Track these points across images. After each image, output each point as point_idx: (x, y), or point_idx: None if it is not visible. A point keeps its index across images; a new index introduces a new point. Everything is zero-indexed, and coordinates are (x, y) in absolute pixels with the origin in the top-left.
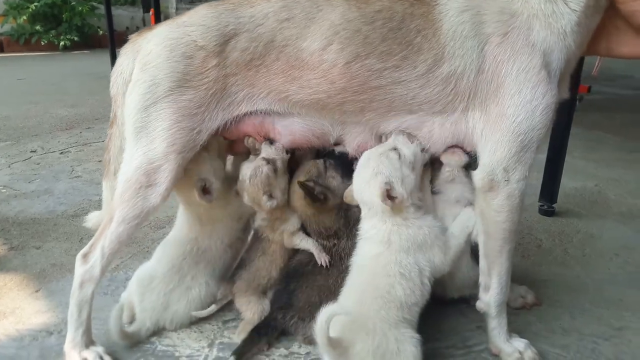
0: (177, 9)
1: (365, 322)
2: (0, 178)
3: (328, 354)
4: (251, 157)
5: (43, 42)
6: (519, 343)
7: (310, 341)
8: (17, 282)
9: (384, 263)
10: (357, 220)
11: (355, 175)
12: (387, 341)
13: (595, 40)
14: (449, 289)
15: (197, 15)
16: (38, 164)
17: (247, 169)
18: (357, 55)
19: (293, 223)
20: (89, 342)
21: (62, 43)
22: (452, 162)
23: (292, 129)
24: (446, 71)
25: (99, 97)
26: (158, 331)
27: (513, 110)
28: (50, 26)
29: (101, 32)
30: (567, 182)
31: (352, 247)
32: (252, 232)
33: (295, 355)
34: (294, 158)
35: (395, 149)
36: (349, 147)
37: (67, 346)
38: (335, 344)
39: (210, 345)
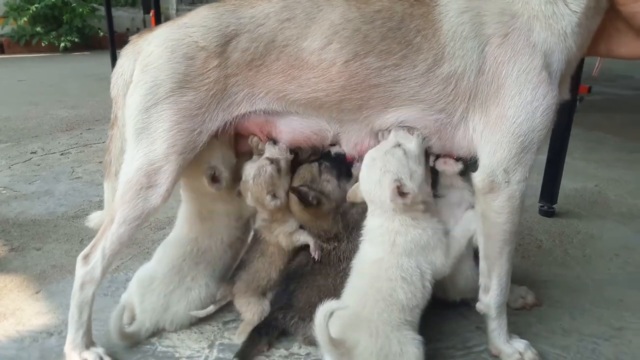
0: (177, 10)
1: (368, 324)
2: (0, 179)
3: (330, 354)
4: (254, 157)
5: (43, 43)
6: (519, 344)
7: (310, 341)
8: (17, 284)
9: (386, 267)
10: (357, 223)
11: (362, 176)
12: (389, 343)
13: (596, 41)
14: (450, 292)
15: (198, 17)
16: (38, 165)
17: (250, 169)
18: (356, 53)
19: (291, 225)
20: (89, 343)
21: (62, 44)
22: (446, 171)
23: (291, 128)
24: (446, 71)
25: (99, 98)
26: (158, 332)
27: (513, 112)
28: (50, 27)
29: (101, 33)
30: (568, 183)
31: (352, 249)
32: (251, 233)
33: (296, 356)
34: (297, 159)
35: (399, 145)
36: (347, 145)
37: (68, 347)
38: (337, 344)
39: (211, 346)
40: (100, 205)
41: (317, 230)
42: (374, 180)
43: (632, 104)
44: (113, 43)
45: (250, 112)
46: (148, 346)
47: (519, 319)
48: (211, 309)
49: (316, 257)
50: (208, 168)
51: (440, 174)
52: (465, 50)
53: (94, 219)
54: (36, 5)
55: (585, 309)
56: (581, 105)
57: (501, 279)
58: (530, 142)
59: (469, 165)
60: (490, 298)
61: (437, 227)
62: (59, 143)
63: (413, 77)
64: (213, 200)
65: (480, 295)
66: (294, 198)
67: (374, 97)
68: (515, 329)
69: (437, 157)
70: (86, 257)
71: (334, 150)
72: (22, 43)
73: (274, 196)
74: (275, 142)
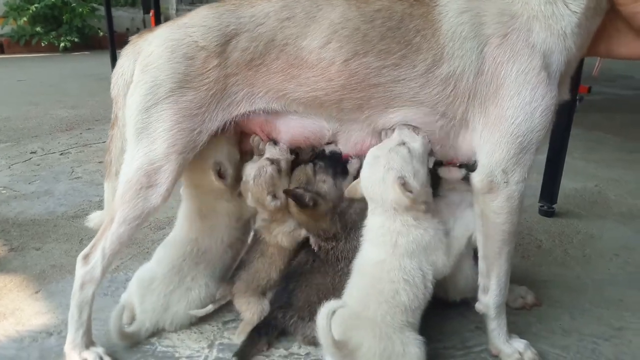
0: (177, 10)
1: (371, 326)
2: (0, 179)
3: (333, 356)
4: (255, 157)
5: (43, 43)
6: (519, 344)
7: (309, 341)
8: (17, 283)
9: (388, 269)
10: (355, 223)
11: (364, 173)
12: (392, 344)
13: (596, 41)
14: (451, 292)
15: (198, 16)
16: (38, 165)
17: (251, 169)
18: (355, 52)
19: (290, 225)
20: (89, 342)
21: (62, 44)
22: (450, 178)
23: (291, 127)
24: (445, 72)
25: (99, 98)
26: (158, 332)
27: (512, 112)
28: (50, 27)
29: (101, 33)
30: (567, 183)
31: (350, 249)
32: (251, 234)
33: (295, 356)
34: (298, 160)
35: (403, 143)
36: (346, 144)
37: (67, 347)
38: (340, 346)
39: (210, 346)
40: (99, 205)
41: (316, 230)
42: (377, 177)
43: (632, 104)
44: (113, 43)
45: (250, 112)
46: (148, 346)
47: (518, 318)
48: (210, 308)
49: (316, 249)
50: (214, 163)
51: (442, 179)
52: (465, 51)
53: (93, 219)
54: (36, 5)
55: (585, 308)
56: (581, 105)
57: (500, 279)
58: (529, 142)
59: (470, 167)
60: (489, 298)
61: (439, 228)
62: (58, 143)
63: (413, 77)
64: (215, 198)
65: (479, 295)
66: (291, 200)
67: (374, 97)
68: (515, 329)
69: (440, 164)
70: (86, 257)
71: (328, 149)
72: (22, 43)
73: (274, 197)
74: (275, 142)
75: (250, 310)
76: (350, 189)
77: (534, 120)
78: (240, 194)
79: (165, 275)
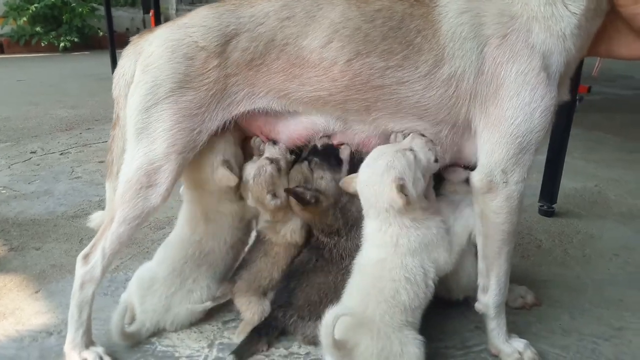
0: (177, 10)
1: (370, 325)
2: (0, 179)
3: (332, 356)
4: (254, 157)
5: (43, 43)
6: (519, 343)
7: (309, 340)
8: (17, 283)
9: (390, 267)
10: (356, 220)
11: (364, 166)
12: (391, 344)
13: (596, 41)
14: (454, 291)
15: (198, 17)
16: (38, 164)
17: (250, 169)
18: (357, 53)
19: (295, 222)
20: (89, 342)
21: (62, 44)
22: (454, 179)
23: (291, 128)
24: (447, 73)
25: (99, 98)
26: (158, 331)
27: (512, 112)
28: (50, 27)
29: (101, 33)
30: (567, 183)
31: (351, 247)
32: (252, 234)
33: (295, 356)
34: (297, 160)
35: (412, 150)
36: (350, 144)
37: (67, 347)
38: (339, 346)
39: (210, 346)
40: (99, 205)
41: (320, 225)
42: (376, 172)
43: (632, 103)
44: (113, 43)
45: (250, 112)
46: (148, 345)
47: (518, 318)
48: (208, 304)
49: (323, 239)
50: (223, 161)
51: (445, 181)
52: (465, 51)
53: (94, 219)
54: (36, 5)
55: (585, 308)
56: (581, 105)
57: (500, 278)
58: (529, 143)
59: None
60: (489, 298)
61: (440, 226)
62: (58, 143)
63: (416, 78)
64: (219, 199)
65: (479, 295)
66: (293, 199)
67: (380, 99)
68: (514, 329)
69: (446, 166)
70: (86, 257)
71: (320, 143)
72: (22, 43)
73: (274, 195)
74: (275, 142)
75: (251, 310)
76: (346, 180)
77: (533, 121)
78: (241, 197)
79: (167, 277)
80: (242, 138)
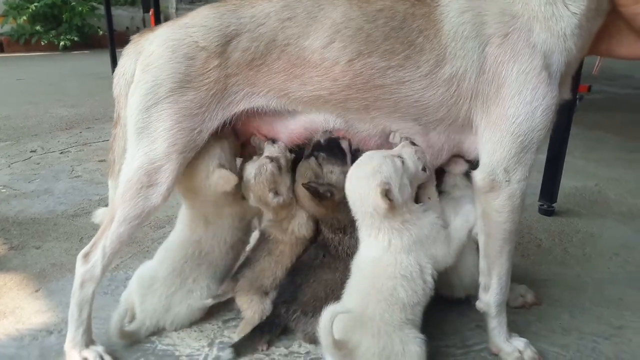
0: (177, 9)
1: (370, 324)
2: (0, 178)
3: (332, 356)
4: (254, 157)
5: (43, 42)
6: (519, 342)
7: (310, 338)
8: (17, 282)
9: (385, 265)
10: None
11: (351, 170)
12: (392, 343)
13: (597, 41)
14: (457, 289)
15: (199, 16)
16: (38, 163)
17: (251, 168)
18: (359, 52)
19: (302, 215)
20: (89, 341)
21: (62, 43)
22: (454, 170)
23: (290, 126)
24: (448, 72)
25: (99, 97)
26: (158, 330)
27: (513, 111)
28: (50, 26)
29: (101, 32)
30: (567, 182)
31: (355, 245)
32: (252, 234)
33: (295, 355)
34: (297, 158)
35: (400, 157)
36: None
37: (68, 345)
38: (340, 346)
39: (210, 345)
40: (99, 204)
41: (330, 221)
42: (362, 176)
43: (632, 103)
44: (113, 42)
45: (249, 110)
46: (148, 344)
47: (518, 317)
48: (209, 301)
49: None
50: (219, 164)
51: (446, 174)
52: (466, 50)
53: (99, 215)
54: (36, 4)
55: (585, 307)
56: (581, 104)
57: (501, 277)
58: (530, 141)
59: (473, 164)
60: (490, 297)
61: (435, 221)
62: (58, 142)
63: (417, 78)
64: (215, 205)
65: (480, 293)
66: (306, 195)
67: (380, 99)
68: (514, 328)
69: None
70: (86, 256)
71: (323, 137)
72: (22, 42)
73: (276, 193)
74: (274, 141)
75: (252, 308)
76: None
77: (534, 120)
78: (243, 197)
79: (167, 277)
80: (238, 149)
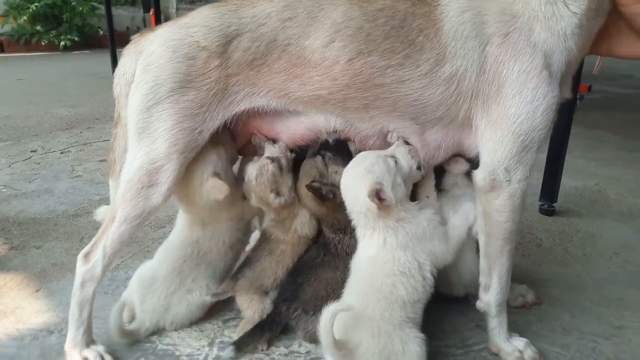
0: (177, 9)
1: (370, 324)
2: (0, 178)
3: (333, 356)
4: (255, 157)
5: (43, 42)
6: (519, 342)
7: (310, 337)
8: (17, 282)
9: (382, 263)
10: None
11: (346, 171)
12: (392, 342)
13: (597, 40)
14: (456, 287)
15: (199, 16)
16: (38, 163)
17: (252, 169)
18: (359, 52)
19: (304, 214)
20: (89, 341)
21: (62, 43)
22: (455, 170)
23: (289, 126)
24: (448, 71)
25: (99, 97)
26: (158, 330)
27: (514, 111)
28: (50, 26)
29: (101, 32)
30: (568, 182)
31: (354, 244)
32: (252, 233)
33: (296, 354)
34: (298, 158)
35: (394, 157)
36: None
37: (68, 345)
38: (340, 345)
39: (211, 344)
40: (100, 204)
41: (330, 220)
42: (355, 176)
43: (632, 102)
44: (113, 42)
45: (250, 111)
46: (148, 344)
47: (518, 317)
48: (208, 299)
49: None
50: (214, 172)
51: (446, 173)
52: (467, 50)
53: (100, 213)
54: (36, 4)
55: (585, 307)
56: (581, 103)
57: (501, 277)
58: (531, 141)
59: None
60: (490, 296)
61: (432, 218)
62: (59, 142)
63: (416, 77)
64: (214, 210)
65: (480, 293)
66: (309, 194)
67: (379, 98)
68: (515, 328)
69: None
70: (87, 256)
71: (331, 138)
72: (22, 42)
73: (278, 194)
74: (274, 141)
75: (252, 308)
76: None
77: (535, 119)
78: (244, 197)
79: (166, 277)
80: (235, 155)
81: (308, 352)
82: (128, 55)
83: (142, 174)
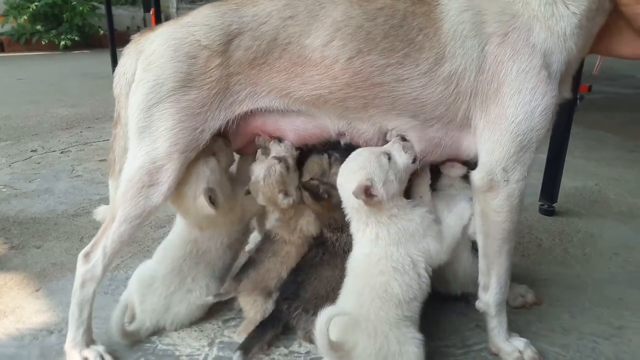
0: (177, 8)
1: (366, 324)
2: (0, 177)
3: (329, 357)
4: (260, 157)
5: (43, 42)
6: (519, 342)
7: (310, 337)
8: (17, 282)
9: (375, 260)
10: None
11: (342, 167)
12: (388, 343)
13: (597, 40)
14: (452, 286)
15: (200, 15)
16: (38, 163)
17: (259, 170)
18: (359, 50)
19: (309, 213)
20: (89, 341)
21: (62, 43)
22: (451, 174)
23: (294, 126)
24: (447, 70)
25: (99, 96)
26: (158, 330)
27: (512, 111)
28: (50, 26)
29: (102, 31)
30: (568, 182)
31: (351, 242)
32: (251, 234)
33: (296, 355)
34: (302, 155)
35: (387, 153)
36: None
37: (68, 345)
38: (336, 347)
39: (211, 344)
40: (100, 204)
41: (327, 219)
42: (348, 171)
43: (632, 102)
44: (113, 41)
45: (252, 110)
46: (148, 344)
47: (518, 317)
48: (210, 299)
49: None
50: (205, 189)
51: (442, 176)
52: (466, 49)
53: (100, 212)
54: (36, 3)
55: (585, 307)
56: (581, 103)
57: (500, 277)
58: (529, 141)
59: (471, 165)
60: (489, 296)
61: (425, 216)
62: (59, 141)
63: (416, 76)
64: (210, 217)
65: (479, 293)
66: (305, 192)
67: (378, 97)
68: (514, 328)
69: (444, 161)
70: (87, 255)
71: (343, 140)
72: (22, 41)
73: (286, 194)
74: (280, 140)
75: (255, 309)
76: None
77: (534, 119)
78: (248, 192)
79: (166, 277)
80: (232, 161)
81: (308, 352)
82: (128, 55)
83: (142, 174)
